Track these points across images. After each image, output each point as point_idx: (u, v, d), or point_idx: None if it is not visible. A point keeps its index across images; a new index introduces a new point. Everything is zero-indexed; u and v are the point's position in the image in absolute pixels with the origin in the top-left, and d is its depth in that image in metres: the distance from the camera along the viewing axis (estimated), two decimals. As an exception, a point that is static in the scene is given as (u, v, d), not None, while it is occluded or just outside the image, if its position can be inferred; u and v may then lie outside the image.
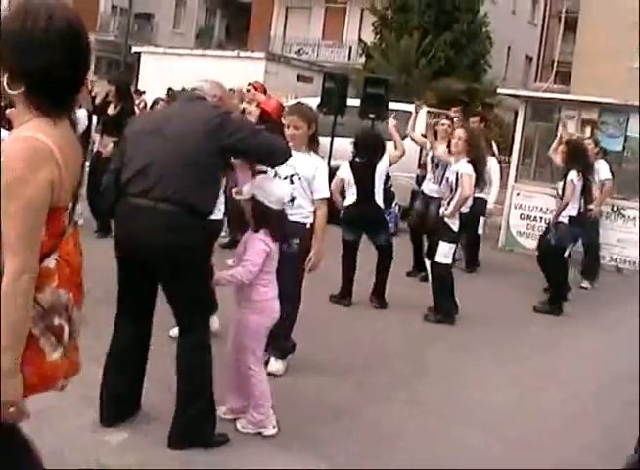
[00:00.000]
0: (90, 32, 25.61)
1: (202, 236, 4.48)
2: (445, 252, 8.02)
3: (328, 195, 5.77)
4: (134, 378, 4.70)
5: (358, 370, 6.26)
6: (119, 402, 4.68)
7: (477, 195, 8.77)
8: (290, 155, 4.74)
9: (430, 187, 9.89)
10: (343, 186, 8.37)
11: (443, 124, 10.19)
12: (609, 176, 10.92)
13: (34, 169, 2.42)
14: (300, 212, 5.64)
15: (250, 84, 12.15)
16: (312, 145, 5.81)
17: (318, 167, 5.72)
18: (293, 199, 5.56)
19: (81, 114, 7.18)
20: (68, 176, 2.53)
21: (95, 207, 9.78)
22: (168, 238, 4.29)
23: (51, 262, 2.55)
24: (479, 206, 9.59)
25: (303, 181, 5.63)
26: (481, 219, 10.75)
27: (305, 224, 5.69)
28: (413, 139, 10.94)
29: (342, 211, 8.32)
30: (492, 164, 10.45)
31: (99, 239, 9.31)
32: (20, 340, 2.45)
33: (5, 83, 2.50)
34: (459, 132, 8.38)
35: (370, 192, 8.31)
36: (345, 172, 8.36)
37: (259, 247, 4.65)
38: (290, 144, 5.58)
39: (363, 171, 8.33)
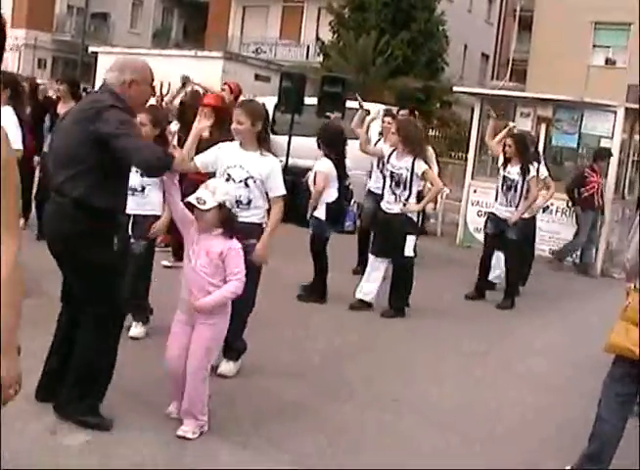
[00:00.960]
0: (46, 32, 25.42)
1: (88, 227, 4.45)
2: (411, 245, 8.11)
3: (284, 192, 5.77)
4: (66, 357, 4.77)
5: (313, 369, 6.27)
6: (52, 380, 4.80)
7: None
8: (168, 168, 4.61)
9: (377, 185, 9.77)
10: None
11: (383, 121, 10.22)
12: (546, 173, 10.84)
13: None
14: (257, 213, 5.64)
15: (225, 83, 12.27)
16: (263, 143, 5.80)
17: (272, 167, 5.72)
18: (249, 202, 5.57)
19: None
20: None
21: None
22: (58, 229, 4.57)
23: None
24: None
25: (258, 183, 5.62)
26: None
27: (261, 224, 5.69)
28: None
29: (320, 208, 8.34)
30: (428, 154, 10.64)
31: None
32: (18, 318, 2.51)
33: None
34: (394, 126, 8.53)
35: (345, 188, 8.41)
36: (328, 168, 8.38)
37: (240, 254, 4.61)
38: (237, 140, 5.67)
39: (338, 167, 8.43)
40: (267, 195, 5.71)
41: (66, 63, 38.45)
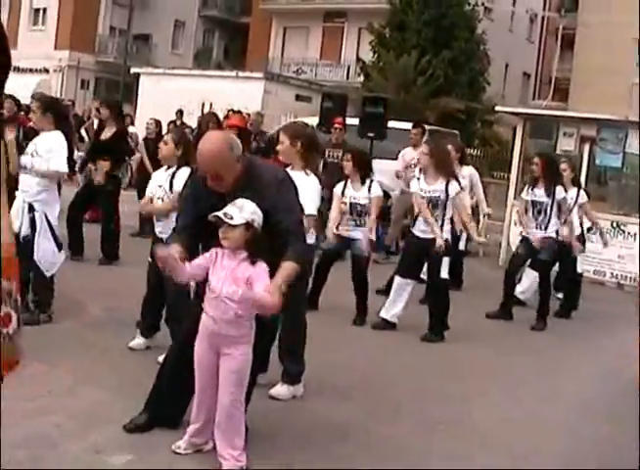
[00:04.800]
0: (89, 54, 25.71)
1: None
2: (446, 267, 8.04)
3: (313, 212, 5.73)
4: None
5: (359, 390, 6.21)
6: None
7: None
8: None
9: None
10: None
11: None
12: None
13: None
14: None
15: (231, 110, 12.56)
16: (307, 163, 5.80)
17: (307, 185, 5.69)
18: None
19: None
20: None
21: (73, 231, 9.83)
22: None
23: None
24: None
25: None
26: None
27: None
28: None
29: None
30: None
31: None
32: None
33: None
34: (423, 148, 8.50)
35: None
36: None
37: (267, 275, 4.31)
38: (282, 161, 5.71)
39: None
40: None
41: (108, 84, 38.89)
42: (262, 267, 4.31)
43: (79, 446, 4.53)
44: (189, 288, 5.81)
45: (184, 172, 6.13)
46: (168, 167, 6.55)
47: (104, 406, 5.18)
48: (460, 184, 8.19)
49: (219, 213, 4.25)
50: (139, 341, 6.52)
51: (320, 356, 6.26)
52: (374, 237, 8.53)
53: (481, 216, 12.78)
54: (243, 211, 4.27)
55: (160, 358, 5.51)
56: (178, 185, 6.16)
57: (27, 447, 4.31)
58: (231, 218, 4.24)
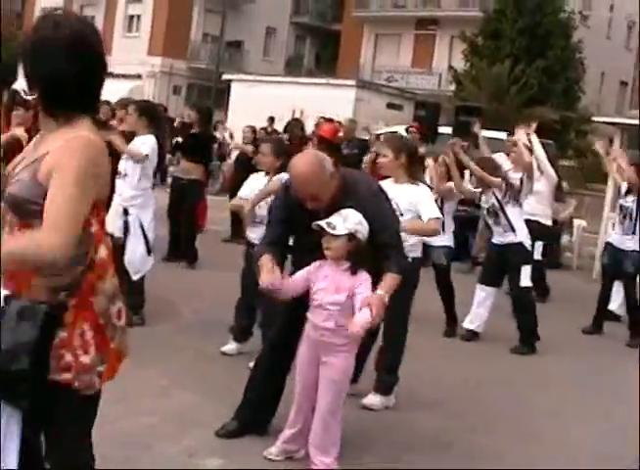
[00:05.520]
0: (182, 60, 26.12)
1: None
2: (527, 275, 7.90)
3: (437, 215, 5.67)
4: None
5: (450, 401, 6.14)
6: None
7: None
8: None
9: None
10: None
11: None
12: None
13: (99, 164, 2.60)
14: (410, 249, 5.46)
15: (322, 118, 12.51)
16: (414, 175, 5.74)
17: (421, 193, 5.65)
18: None
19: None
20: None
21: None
22: None
23: (104, 252, 2.70)
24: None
25: (407, 213, 5.54)
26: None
27: (412, 259, 5.57)
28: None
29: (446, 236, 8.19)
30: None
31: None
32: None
33: (25, 89, 2.70)
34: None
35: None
36: None
37: (370, 286, 4.27)
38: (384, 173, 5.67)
39: None
40: None
41: (200, 90, 39.39)
42: (365, 278, 4.27)
43: (174, 449, 4.57)
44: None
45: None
46: (267, 173, 6.54)
47: (195, 410, 5.22)
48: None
49: (322, 223, 4.22)
50: (232, 346, 6.54)
51: (409, 367, 6.19)
52: (452, 244, 8.40)
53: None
54: (347, 222, 4.23)
55: (251, 364, 5.52)
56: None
57: (122, 448, 4.35)
58: (334, 228, 4.20)
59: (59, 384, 2.62)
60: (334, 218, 4.23)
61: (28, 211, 2.57)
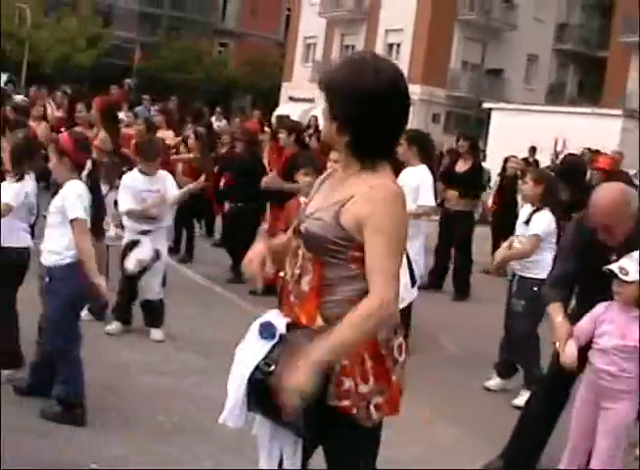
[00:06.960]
0: (441, 88, 26.23)
1: None
2: None
3: None
4: None
5: None
6: None
7: None
8: None
9: None
10: None
11: None
12: None
13: (404, 213, 2.67)
14: None
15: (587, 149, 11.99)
16: None
17: None
18: None
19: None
20: None
21: None
22: None
23: None
24: None
25: None
26: None
27: None
28: None
29: None
30: None
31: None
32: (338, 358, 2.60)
33: (332, 131, 2.69)
34: None
35: None
36: None
37: None
38: None
39: None
40: None
41: (458, 118, 39.41)
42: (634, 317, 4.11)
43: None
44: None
45: (543, 214, 6.12)
46: (532, 205, 6.43)
47: (457, 442, 5.25)
48: None
49: (614, 267, 4.08)
50: (496, 381, 6.48)
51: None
52: None
53: None
54: None
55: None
56: (535, 225, 6.15)
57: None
58: (626, 274, 4.04)
59: (336, 410, 2.66)
60: (626, 263, 4.06)
61: (325, 249, 2.67)
